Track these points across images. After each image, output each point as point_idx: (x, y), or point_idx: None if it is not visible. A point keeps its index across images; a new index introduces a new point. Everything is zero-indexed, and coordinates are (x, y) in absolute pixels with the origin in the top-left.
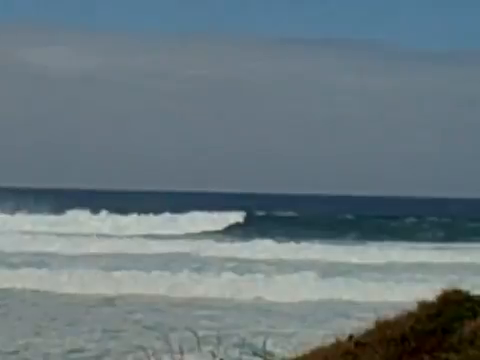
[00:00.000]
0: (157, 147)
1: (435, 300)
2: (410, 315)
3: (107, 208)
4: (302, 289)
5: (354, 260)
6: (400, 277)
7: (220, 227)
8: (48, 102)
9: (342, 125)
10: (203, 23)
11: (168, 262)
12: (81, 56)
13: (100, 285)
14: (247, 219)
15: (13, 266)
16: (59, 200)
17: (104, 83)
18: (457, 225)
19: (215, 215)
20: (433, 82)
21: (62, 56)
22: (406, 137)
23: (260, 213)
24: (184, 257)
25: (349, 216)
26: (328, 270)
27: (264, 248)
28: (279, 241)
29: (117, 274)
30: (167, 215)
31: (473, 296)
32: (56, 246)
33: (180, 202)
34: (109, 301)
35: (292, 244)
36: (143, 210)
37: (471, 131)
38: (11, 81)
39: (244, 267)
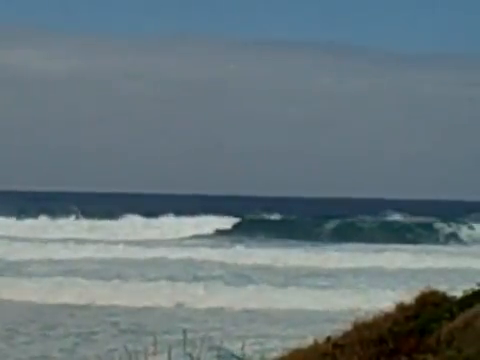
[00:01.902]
0: (138, 149)
1: (413, 302)
2: (388, 316)
3: (90, 211)
4: (288, 296)
5: (340, 265)
6: (383, 282)
7: (209, 231)
8: (29, 104)
9: (330, 127)
10: (185, 25)
11: (147, 268)
12: (62, 58)
13: (87, 292)
14: (238, 223)
15: None
16: (39, 204)
17: (84, 85)
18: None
19: (204, 219)
20: (416, 84)
21: (43, 58)
22: (390, 139)
23: (250, 217)
24: (165, 262)
25: (332, 219)
26: (313, 276)
27: (252, 254)
28: (270, 246)
29: (99, 281)
30: (152, 219)
31: (450, 297)
32: (39, 253)
33: (168, 205)
34: (85, 307)
35: (283, 250)
36: (124, 213)
37: (456, 133)
38: None
39: (228, 273)
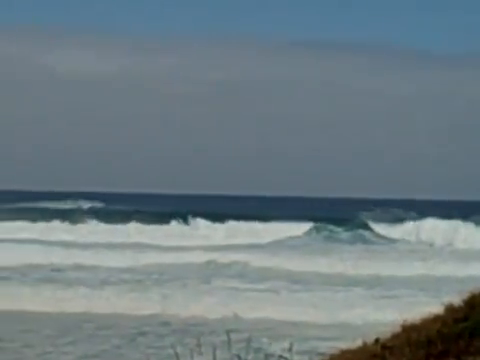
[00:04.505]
0: (186, 150)
1: (462, 303)
2: (436, 318)
3: (135, 214)
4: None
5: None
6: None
7: (284, 236)
8: (64, 105)
9: (361, 126)
10: (219, 26)
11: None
12: (99, 59)
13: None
14: (311, 228)
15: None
16: (93, 205)
17: (120, 86)
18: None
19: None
20: (449, 84)
21: (79, 59)
22: (422, 138)
23: (321, 221)
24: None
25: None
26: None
27: (314, 260)
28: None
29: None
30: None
31: None
32: (97, 257)
33: (217, 207)
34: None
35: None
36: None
37: None
38: (28, 84)
39: (281, 279)
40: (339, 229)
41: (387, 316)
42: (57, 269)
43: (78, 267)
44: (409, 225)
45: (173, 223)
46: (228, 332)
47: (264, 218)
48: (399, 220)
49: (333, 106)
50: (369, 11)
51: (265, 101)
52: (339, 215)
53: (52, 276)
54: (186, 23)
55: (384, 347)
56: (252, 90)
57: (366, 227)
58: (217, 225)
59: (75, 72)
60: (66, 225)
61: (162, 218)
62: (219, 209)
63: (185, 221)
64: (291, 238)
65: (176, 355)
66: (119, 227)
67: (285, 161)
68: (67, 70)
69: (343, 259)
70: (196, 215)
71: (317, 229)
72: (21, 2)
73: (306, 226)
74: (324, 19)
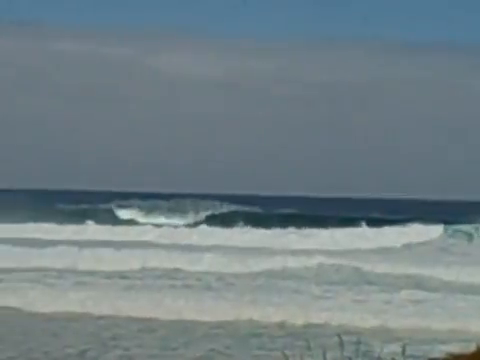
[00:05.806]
0: (278, 152)
1: None
2: None
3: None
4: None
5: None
6: None
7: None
8: (177, 108)
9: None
10: (335, 27)
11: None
12: (206, 62)
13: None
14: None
15: None
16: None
17: (233, 89)
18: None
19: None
20: None
21: (191, 62)
22: None
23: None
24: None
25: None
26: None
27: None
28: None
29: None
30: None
31: None
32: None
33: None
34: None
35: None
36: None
37: None
38: (142, 88)
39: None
40: (462, 231)
41: None
42: (178, 272)
43: (198, 271)
44: None
45: (277, 226)
46: (340, 335)
47: (379, 221)
48: None
49: (445, 108)
50: None
51: (374, 103)
52: (454, 218)
53: (172, 278)
54: (292, 24)
55: None
56: (361, 92)
57: None
58: (331, 230)
59: (182, 74)
60: (184, 229)
61: (267, 221)
62: (326, 212)
63: (291, 224)
64: (419, 243)
65: (285, 356)
66: (226, 231)
67: (388, 163)
68: (175, 72)
69: (462, 264)
70: (306, 217)
71: (446, 232)
72: (127, 4)
73: (436, 229)
74: (438, 19)
